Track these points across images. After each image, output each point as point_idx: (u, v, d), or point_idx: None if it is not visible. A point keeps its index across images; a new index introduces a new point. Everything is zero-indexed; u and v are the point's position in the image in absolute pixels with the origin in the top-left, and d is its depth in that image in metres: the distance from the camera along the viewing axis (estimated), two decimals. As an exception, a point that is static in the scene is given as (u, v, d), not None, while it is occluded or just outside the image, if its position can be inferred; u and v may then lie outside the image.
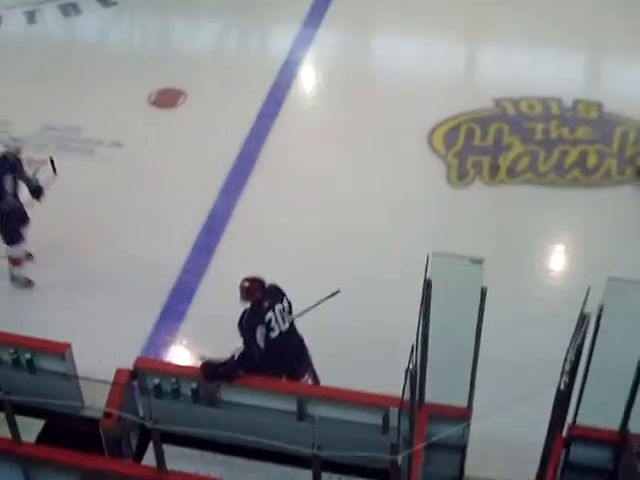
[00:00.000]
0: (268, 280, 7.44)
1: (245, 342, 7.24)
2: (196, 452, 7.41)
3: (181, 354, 8.80)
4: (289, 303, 7.47)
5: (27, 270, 9.44)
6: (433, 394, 6.87)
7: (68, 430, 7.53)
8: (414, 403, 5.95)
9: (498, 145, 11.13)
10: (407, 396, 5.61)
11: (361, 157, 10.97)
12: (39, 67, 12.80)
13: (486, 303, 6.10)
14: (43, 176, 9.19)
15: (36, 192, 9.14)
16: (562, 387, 5.78)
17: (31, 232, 9.28)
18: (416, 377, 5.86)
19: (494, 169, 10.75)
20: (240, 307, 7.31)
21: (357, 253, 9.57)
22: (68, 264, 9.61)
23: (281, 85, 12.33)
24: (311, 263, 9.42)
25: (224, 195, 10.54)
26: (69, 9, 14.15)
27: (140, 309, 9.02)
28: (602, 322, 5.97)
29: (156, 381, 7.43)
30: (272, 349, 7.28)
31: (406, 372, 5.48)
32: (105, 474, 6.80)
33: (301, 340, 7.54)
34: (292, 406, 7.27)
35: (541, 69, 12.29)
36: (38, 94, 12.10)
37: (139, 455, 7.46)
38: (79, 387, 7.70)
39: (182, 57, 13.13)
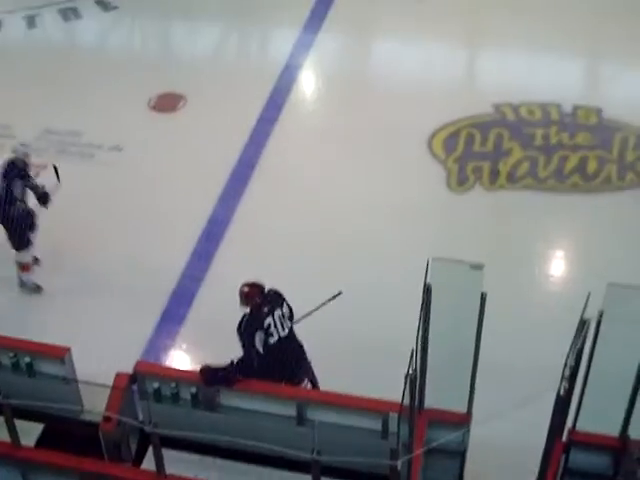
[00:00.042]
0: (268, 284, 7.44)
1: (244, 347, 7.24)
2: (195, 456, 7.39)
3: (181, 358, 8.81)
4: (290, 308, 7.47)
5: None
6: (433, 399, 6.86)
7: (67, 434, 7.52)
8: (414, 408, 5.96)
9: (498, 150, 11.14)
10: (407, 401, 5.62)
11: (361, 162, 10.97)
12: (39, 71, 12.81)
13: (486, 308, 6.10)
14: (48, 183, 9.16)
15: (43, 198, 9.10)
16: (562, 392, 5.78)
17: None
18: (416, 382, 5.85)
19: (494, 174, 10.76)
20: (240, 311, 7.31)
21: (357, 258, 9.57)
22: (68, 268, 9.63)
23: (281, 90, 12.34)
24: (311, 268, 9.43)
25: (224, 199, 10.54)
26: (69, 13, 14.16)
27: (140, 313, 9.02)
28: (602, 327, 5.96)
29: (156, 385, 7.42)
30: (271, 355, 7.27)
31: (406, 377, 5.49)
32: (104, 478, 6.79)
33: (300, 346, 7.52)
34: (292, 411, 7.26)
35: (541, 75, 12.30)
36: (38, 98, 12.11)
37: (138, 459, 7.44)
38: (78, 391, 7.68)
39: (182, 62, 13.13)
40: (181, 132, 11.61)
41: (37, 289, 9.42)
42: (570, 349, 5.71)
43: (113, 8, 14.23)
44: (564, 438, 6.79)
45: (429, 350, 6.44)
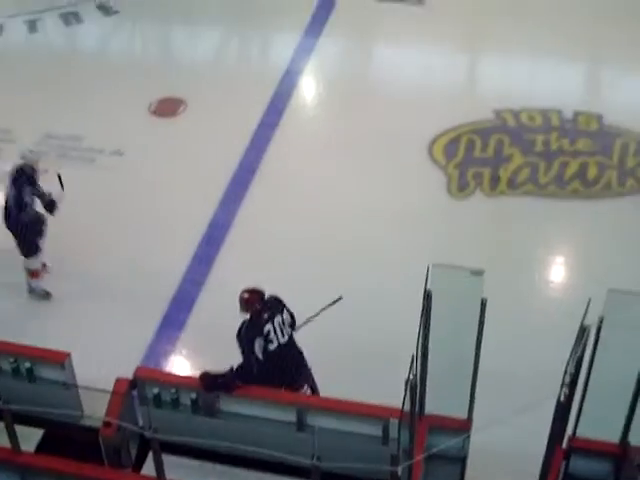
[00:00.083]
0: (268, 289, 7.43)
1: (243, 354, 7.23)
2: (195, 462, 7.40)
3: (181, 364, 8.80)
4: (291, 315, 7.47)
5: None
6: (433, 405, 6.87)
7: (67, 439, 7.51)
8: (414, 414, 5.95)
9: (498, 156, 11.14)
10: (407, 407, 5.61)
11: (361, 167, 10.97)
12: (40, 76, 12.82)
13: (486, 314, 6.10)
14: (53, 191, 9.14)
15: (49, 206, 9.05)
16: (562, 399, 5.78)
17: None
18: (416, 388, 5.86)
19: (494, 180, 10.76)
20: (240, 317, 7.31)
21: (357, 263, 9.57)
22: (68, 272, 9.61)
23: (282, 94, 12.35)
24: (311, 272, 9.43)
25: (224, 204, 10.54)
26: (70, 18, 14.18)
27: (140, 318, 9.02)
28: (602, 334, 5.97)
29: (155, 391, 7.42)
30: (270, 361, 7.27)
31: (406, 383, 5.48)
32: (104, 484, 6.81)
33: (300, 352, 7.52)
34: (292, 417, 7.25)
35: (541, 80, 12.32)
36: (39, 103, 12.12)
37: (138, 465, 7.44)
38: (79, 396, 7.68)
39: (183, 66, 13.14)
40: (181, 137, 11.62)
41: (46, 295, 9.41)
42: (570, 355, 5.71)
43: (114, 13, 14.25)
44: (564, 445, 6.79)
45: (429, 356, 6.44)
